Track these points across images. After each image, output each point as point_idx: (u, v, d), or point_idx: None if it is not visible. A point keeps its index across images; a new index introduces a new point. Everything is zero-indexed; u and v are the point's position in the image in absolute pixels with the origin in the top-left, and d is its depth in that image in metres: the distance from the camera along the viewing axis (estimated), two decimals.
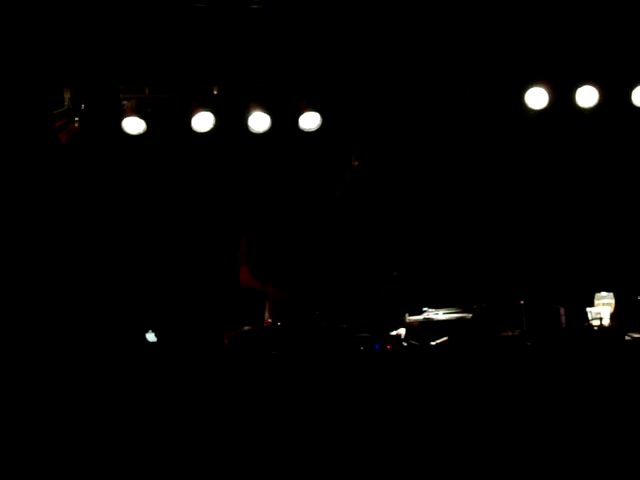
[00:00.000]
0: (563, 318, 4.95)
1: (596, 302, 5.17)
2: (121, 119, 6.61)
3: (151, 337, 5.18)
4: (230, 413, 4.56)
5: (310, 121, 6.76)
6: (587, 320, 5.01)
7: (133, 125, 6.65)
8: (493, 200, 7.39)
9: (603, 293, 5.23)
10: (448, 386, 4.56)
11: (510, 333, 4.81)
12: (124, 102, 6.62)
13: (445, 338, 4.78)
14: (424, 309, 5.19)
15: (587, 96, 6.74)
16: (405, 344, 4.80)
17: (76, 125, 6.48)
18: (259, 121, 6.72)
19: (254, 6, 6.12)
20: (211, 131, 6.67)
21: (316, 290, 5.45)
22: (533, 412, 4.48)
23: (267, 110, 6.68)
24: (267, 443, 4.49)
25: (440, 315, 5.10)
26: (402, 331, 5.02)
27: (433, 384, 4.56)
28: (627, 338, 4.63)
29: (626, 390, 4.44)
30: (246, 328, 4.94)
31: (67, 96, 6.50)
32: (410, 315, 5.15)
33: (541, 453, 4.42)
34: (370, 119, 7.11)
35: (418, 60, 6.72)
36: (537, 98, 6.73)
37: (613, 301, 5.19)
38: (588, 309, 5.11)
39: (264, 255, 5.57)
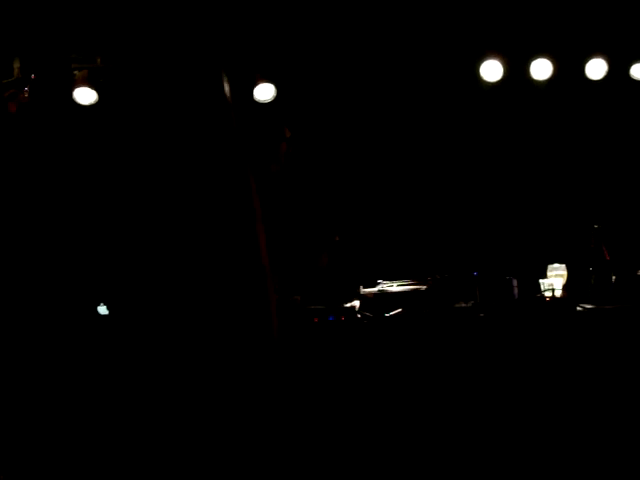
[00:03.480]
0: (516, 290, 4.98)
1: (549, 273, 5.21)
2: (72, 89, 6.51)
3: (103, 310, 5.13)
4: (183, 386, 4.53)
5: (265, 92, 6.73)
6: (539, 291, 5.04)
7: (84, 95, 6.55)
8: (447, 172, 7.41)
9: (555, 264, 5.26)
10: (402, 357, 4.57)
11: (464, 305, 4.83)
12: (75, 72, 6.52)
13: (399, 310, 4.79)
14: (378, 281, 5.20)
15: (542, 69, 6.78)
16: (359, 316, 4.79)
17: (26, 95, 6.37)
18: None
19: None
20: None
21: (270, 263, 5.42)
22: (487, 382, 4.51)
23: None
24: (220, 414, 4.47)
25: (394, 287, 5.11)
26: (356, 303, 5.02)
27: (387, 355, 4.57)
28: (579, 309, 4.67)
29: (577, 360, 4.49)
30: None
31: (17, 66, 6.38)
32: (364, 287, 5.15)
33: (497, 424, 4.46)
34: (310, 88, 7.09)
35: (364, 31, 6.70)
36: (492, 70, 6.75)
37: (565, 272, 5.23)
38: (541, 280, 5.14)
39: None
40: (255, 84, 6.69)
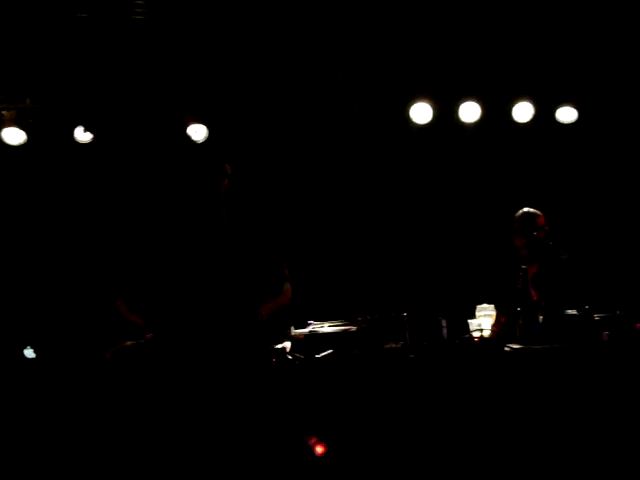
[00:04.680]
0: (445, 330, 5.01)
1: (477, 314, 5.26)
2: (0, 130, 6.45)
3: (29, 353, 5.04)
4: (112, 429, 4.48)
5: (197, 133, 6.75)
6: (468, 331, 5.08)
7: (13, 136, 6.50)
8: (377, 213, 7.47)
9: (484, 305, 5.33)
10: (333, 398, 4.56)
11: (394, 345, 4.84)
12: (3, 112, 6.47)
13: (330, 351, 4.78)
14: (309, 322, 5.19)
15: (470, 111, 6.89)
16: (290, 357, 4.78)
17: None
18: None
19: (137, 17, 6.05)
20: (94, 142, 6.58)
21: (200, 303, 5.39)
22: (415, 423, 4.52)
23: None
24: (146, 457, 4.42)
25: (325, 328, 5.10)
26: (287, 344, 5.00)
27: (317, 396, 4.56)
28: (506, 349, 4.71)
29: (504, 399, 4.53)
30: (128, 343, 4.85)
31: None
32: (295, 328, 5.14)
33: (424, 465, 4.47)
34: (253, 126, 7.13)
35: (305, 72, 6.76)
36: (422, 113, 6.85)
37: (494, 313, 5.29)
38: (469, 321, 5.19)
39: (137, 286, 5.47)
40: (187, 124, 6.71)
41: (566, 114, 6.97)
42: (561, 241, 6.66)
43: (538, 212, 5.75)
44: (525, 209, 5.78)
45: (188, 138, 6.76)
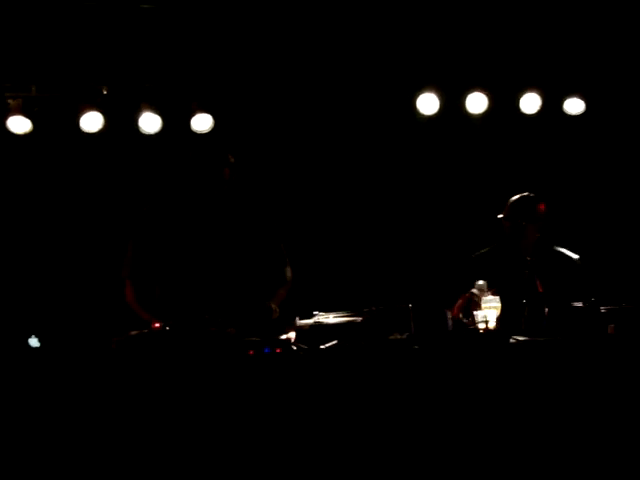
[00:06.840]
0: (450, 321, 5.00)
1: (483, 305, 5.24)
2: (6, 118, 6.45)
3: (34, 342, 5.04)
4: (116, 420, 4.47)
5: (202, 123, 6.73)
6: (474, 323, 5.07)
7: (19, 124, 6.49)
8: (382, 204, 7.46)
9: (490, 297, 5.31)
10: (335, 389, 4.56)
11: (399, 336, 4.83)
12: (9, 101, 6.46)
13: (335, 342, 4.78)
14: (314, 313, 5.18)
15: (477, 102, 6.88)
16: (295, 348, 4.77)
17: None
18: (150, 122, 6.65)
19: (145, 5, 6.04)
20: (100, 132, 6.57)
21: (205, 294, 5.40)
22: (419, 414, 4.51)
23: (158, 111, 6.61)
24: (154, 449, 4.41)
25: (330, 319, 5.09)
26: (292, 335, 5.00)
27: (321, 387, 4.56)
28: (512, 341, 4.70)
29: (509, 391, 4.52)
30: (134, 332, 4.85)
31: None
32: (300, 319, 5.13)
33: (429, 457, 4.46)
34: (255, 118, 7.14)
35: (307, 60, 6.77)
36: (428, 104, 6.83)
37: (499, 304, 5.27)
38: (475, 312, 5.18)
39: (147, 270, 5.46)
40: (192, 114, 6.70)
41: (574, 105, 6.95)
42: (566, 233, 6.67)
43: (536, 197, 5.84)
44: (523, 194, 5.85)
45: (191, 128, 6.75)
